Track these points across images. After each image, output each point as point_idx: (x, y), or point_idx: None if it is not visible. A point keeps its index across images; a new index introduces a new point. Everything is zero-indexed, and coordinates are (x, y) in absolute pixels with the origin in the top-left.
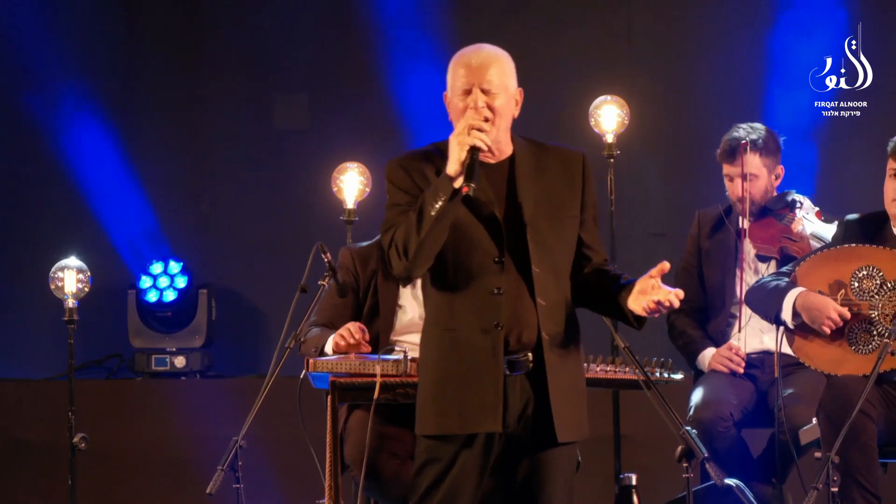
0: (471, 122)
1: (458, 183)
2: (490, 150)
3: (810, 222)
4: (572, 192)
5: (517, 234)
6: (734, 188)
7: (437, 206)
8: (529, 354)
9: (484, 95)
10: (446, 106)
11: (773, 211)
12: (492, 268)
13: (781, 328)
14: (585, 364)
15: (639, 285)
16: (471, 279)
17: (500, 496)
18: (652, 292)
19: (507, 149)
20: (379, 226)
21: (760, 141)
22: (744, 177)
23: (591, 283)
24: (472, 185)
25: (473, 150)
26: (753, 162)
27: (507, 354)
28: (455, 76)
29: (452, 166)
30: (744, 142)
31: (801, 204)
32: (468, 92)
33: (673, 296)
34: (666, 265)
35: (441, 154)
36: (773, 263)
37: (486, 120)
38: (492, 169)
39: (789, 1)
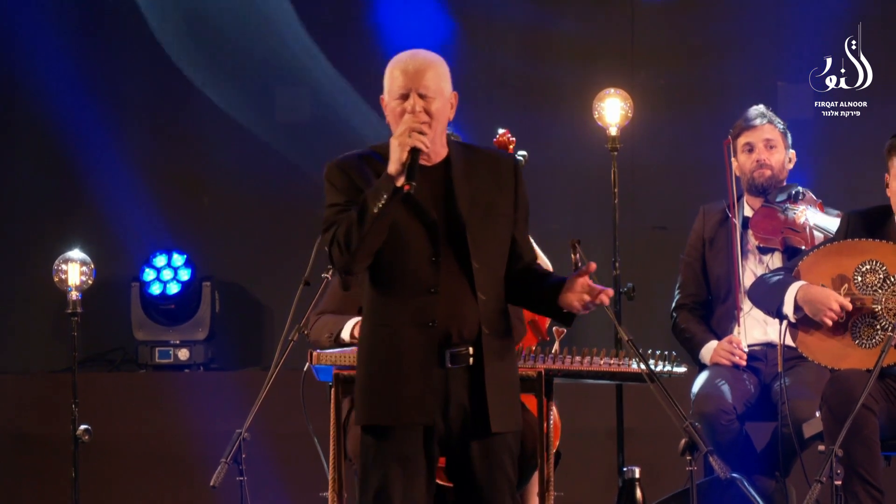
0: (411, 125)
1: (399, 182)
2: (427, 153)
3: (813, 213)
4: (503, 192)
5: (455, 233)
6: (754, 156)
7: (380, 204)
8: (470, 348)
9: (421, 100)
10: (383, 109)
11: (776, 203)
12: (427, 267)
13: (784, 322)
14: (588, 357)
15: (568, 283)
16: (406, 278)
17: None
18: (581, 290)
19: (442, 151)
20: None
21: (776, 117)
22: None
23: (521, 280)
24: (413, 183)
25: (414, 151)
26: (772, 132)
27: (449, 348)
28: (392, 80)
29: (393, 166)
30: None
31: (804, 195)
32: (405, 96)
33: (604, 295)
34: (593, 265)
35: (378, 157)
36: (776, 255)
37: (424, 123)
38: (428, 171)
39: (790, 0)
